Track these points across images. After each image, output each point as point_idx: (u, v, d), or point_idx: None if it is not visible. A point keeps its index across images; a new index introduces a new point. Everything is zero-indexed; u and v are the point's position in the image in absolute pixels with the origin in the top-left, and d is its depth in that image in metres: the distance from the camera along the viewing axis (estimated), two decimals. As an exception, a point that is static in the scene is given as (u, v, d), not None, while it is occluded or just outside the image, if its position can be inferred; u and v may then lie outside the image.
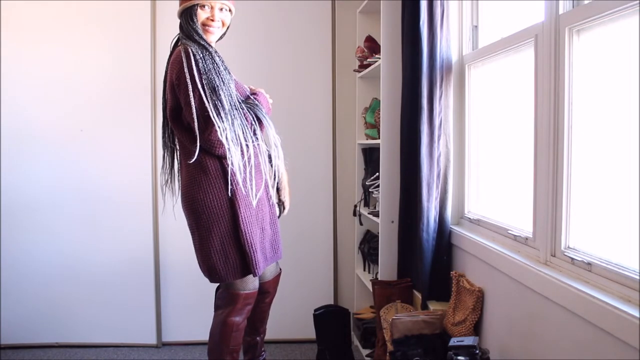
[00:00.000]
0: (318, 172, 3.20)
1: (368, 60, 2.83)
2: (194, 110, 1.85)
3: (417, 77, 2.13)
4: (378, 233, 2.62)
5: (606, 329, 1.20)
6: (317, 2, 3.15)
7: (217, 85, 1.89)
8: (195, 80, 1.86)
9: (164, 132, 2.15)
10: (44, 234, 3.09)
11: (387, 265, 2.50)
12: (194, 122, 1.86)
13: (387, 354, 2.12)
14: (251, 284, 2.09)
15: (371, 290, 2.55)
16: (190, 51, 1.90)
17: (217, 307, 2.14)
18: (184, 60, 1.88)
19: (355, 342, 2.98)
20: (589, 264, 1.37)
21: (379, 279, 2.55)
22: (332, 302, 3.20)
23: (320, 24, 3.16)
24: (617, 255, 1.31)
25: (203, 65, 1.90)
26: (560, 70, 1.48)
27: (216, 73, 1.91)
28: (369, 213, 2.83)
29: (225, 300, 2.09)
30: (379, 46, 2.64)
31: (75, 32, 3.05)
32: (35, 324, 3.11)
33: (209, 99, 1.87)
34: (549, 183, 1.53)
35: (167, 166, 2.16)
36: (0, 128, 3.04)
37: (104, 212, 3.09)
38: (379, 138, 2.57)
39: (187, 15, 2.01)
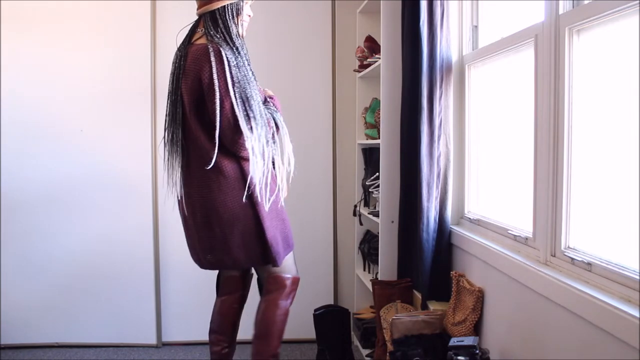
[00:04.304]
0: (318, 172, 3.20)
1: (368, 60, 2.83)
2: (218, 117, 1.86)
3: (417, 77, 2.13)
4: (378, 233, 2.62)
5: (606, 329, 1.20)
6: (317, 2, 3.15)
7: (250, 96, 1.91)
8: (227, 88, 1.87)
9: (172, 129, 2.05)
10: (43, 234, 3.09)
11: (387, 265, 2.50)
12: (216, 129, 1.87)
13: (387, 354, 2.12)
14: (294, 268, 2.21)
15: (371, 290, 2.54)
16: (224, 55, 1.89)
17: (267, 292, 2.16)
18: (215, 64, 1.87)
19: (355, 342, 2.98)
20: (589, 264, 1.37)
21: (379, 279, 2.55)
22: (332, 302, 3.20)
23: (320, 24, 3.16)
24: (617, 255, 1.31)
25: (236, 74, 1.90)
26: (560, 70, 1.48)
27: (248, 82, 1.92)
28: (369, 213, 2.83)
29: (277, 285, 2.15)
30: (379, 46, 2.64)
31: (76, 31, 3.05)
32: (35, 324, 3.11)
33: (240, 108, 1.89)
34: (549, 183, 1.53)
35: (176, 165, 2.07)
36: (0, 127, 3.04)
37: (103, 213, 3.09)
38: (379, 138, 2.57)
39: (234, 10, 1.98)
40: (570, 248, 1.48)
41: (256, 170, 1.93)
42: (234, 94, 1.88)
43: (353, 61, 3.13)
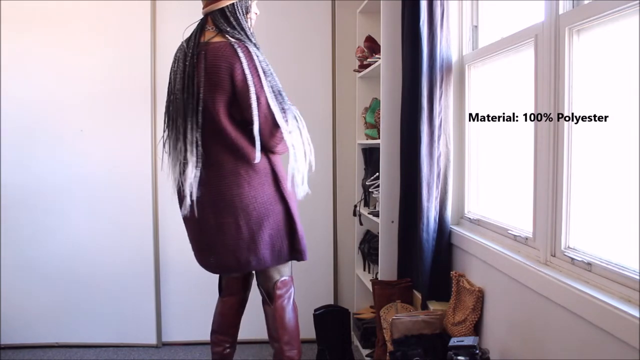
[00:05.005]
0: (318, 172, 3.17)
1: (368, 60, 2.83)
2: (256, 113, 1.87)
3: (417, 77, 2.13)
4: (378, 233, 2.62)
5: (606, 329, 1.20)
6: (317, 2, 3.15)
7: (281, 89, 1.95)
8: (262, 83, 1.89)
9: (186, 128, 1.93)
10: (44, 234, 3.09)
11: (387, 265, 2.50)
12: (255, 124, 1.87)
13: (387, 354, 2.12)
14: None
15: (371, 290, 2.55)
16: (252, 51, 1.91)
17: (278, 297, 2.12)
18: (246, 60, 1.87)
19: (355, 342, 2.98)
20: (589, 264, 1.37)
21: (379, 279, 2.55)
22: (332, 302, 3.20)
23: (320, 24, 3.16)
24: (617, 255, 1.31)
25: (267, 68, 1.93)
26: (560, 70, 1.48)
27: (274, 76, 1.95)
28: (369, 213, 2.83)
29: (286, 287, 2.15)
30: (379, 46, 2.64)
31: (76, 31, 3.04)
32: (35, 324, 3.11)
33: (275, 102, 1.92)
34: (549, 183, 1.53)
35: (192, 167, 1.94)
36: (0, 127, 3.04)
37: (103, 213, 3.09)
38: (379, 138, 2.57)
39: (243, 8, 1.98)
40: (570, 248, 1.48)
41: (298, 163, 1.96)
42: (269, 88, 1.91)
43: (353, 61, 3.13)
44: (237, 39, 1.93)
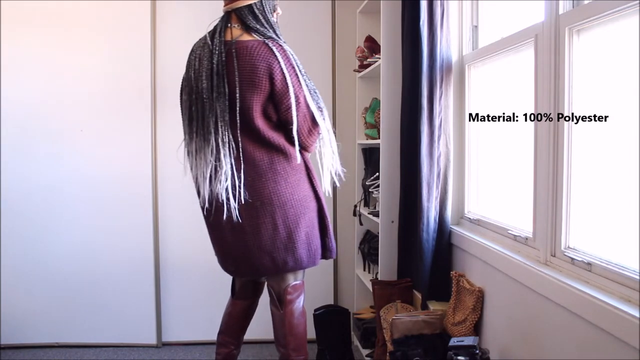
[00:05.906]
0: (318, 172, 3.19)
1: (368, 60, 2.83)
2: (294, 113, 1.87)
3: (417, 77, 2.13)
4: (378, 233, 2.62)
5: (606, 329, 1.20)
6: (317, 2, 3.15)
7: (315, 87, 1.96)
8: (300, 82, 1.90)
9: (222, 128, 1.86)
10: (44, 235, 3.09)
11: (387, 265, 2.50)
12: (294, 124, 1.88)
13: (387, 354, 2.13)
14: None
15: (371, 290, 2.55)
16: (288, 50, 1.91)
17: (289, 302, 2.08)
18: (283, 59, 1.87)
19: (355, 342, 2.98)
20: (589, 264, 1.37)
21: (379, 279, 2.55)
22: (332, 302, 3.20)
23: (320, 24, 3.16)
24: (617, 255, 1.31)
25: (301, 66, 1.93)
26: (560, 70, 1.48)
27: (307, 74, 1.96)
28: (369, 213, 2.83)
29: (297, 292, 2.11)
30: (379, 46, 2.64)
31: (76, 31, 3.04)
32: (35, 324, 3.11)
33: (313, 100, 1.93)
34: (549, 183, 1.54)
35: (227, 167, 1.87)
36: (0, 127, 3.04)
37: (103, 213, 3.09)
38: (379, 138, 2.57)
39: (270, 6, 1.97)
40: (570, 248, 1.49)
41: (335, 162, 1.99)
42: (306, 87, 1.91)
43: (353, 61, 3.13)
44: (268, 37, 1.91)
